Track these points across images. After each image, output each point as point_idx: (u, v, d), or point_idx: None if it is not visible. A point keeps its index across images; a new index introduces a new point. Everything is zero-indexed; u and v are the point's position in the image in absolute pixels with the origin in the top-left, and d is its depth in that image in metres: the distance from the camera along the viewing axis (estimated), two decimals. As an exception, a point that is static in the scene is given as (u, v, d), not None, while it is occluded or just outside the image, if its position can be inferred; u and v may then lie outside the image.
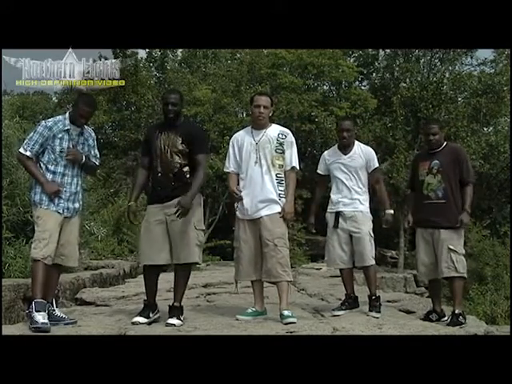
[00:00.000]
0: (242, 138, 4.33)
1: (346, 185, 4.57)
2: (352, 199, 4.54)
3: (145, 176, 4.20)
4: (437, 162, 4.45)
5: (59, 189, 3.88)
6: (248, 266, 4.22)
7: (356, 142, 4.70)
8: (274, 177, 4.20)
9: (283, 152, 4.25)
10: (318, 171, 4.85)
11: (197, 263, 4.04)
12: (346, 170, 4.59)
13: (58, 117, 4.07)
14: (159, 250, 3.98)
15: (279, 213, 4.17)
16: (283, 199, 4.21)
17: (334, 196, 4.64)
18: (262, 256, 4.17)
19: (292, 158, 4.27)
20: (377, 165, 4.68)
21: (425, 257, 4.51)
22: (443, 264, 4.30)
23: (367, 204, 4.60)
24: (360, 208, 4.54)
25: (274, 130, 4.32)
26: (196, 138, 4.12)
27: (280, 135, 4.28)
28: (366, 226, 4.52)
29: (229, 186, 4.35)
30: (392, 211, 4.64)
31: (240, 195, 4.22)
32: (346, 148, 4.65)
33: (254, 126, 4.33)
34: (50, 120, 4.03)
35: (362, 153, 4.64)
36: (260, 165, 4.20)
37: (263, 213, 4.16)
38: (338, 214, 4.56)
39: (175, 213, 3.88)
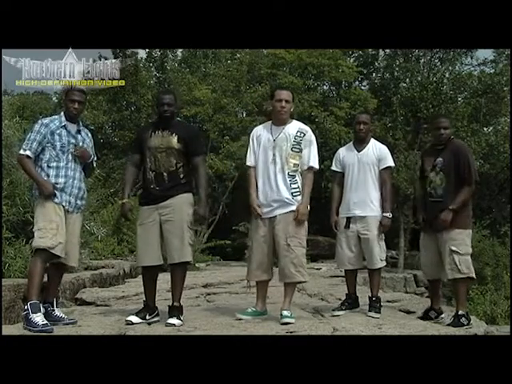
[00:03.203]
0: (261, 133, 4.27)
1: (358, 182, 4.54)
2: (363, 199, 4.50)
3: (134, 173, 4.21)
4: (440, 159, 4.34)
5: (54, 191, 3.84)
6: (259, 266, 4.18)
7: (372, 140, 4.67)
8: (287, 175, 4.12)
9: (300, 151, 4.16)
10: (333, 168, 4.78)
11: (189, 262, 4.07)
12: (358, 166, 4.55)
13: (54, 116, 4.11)
14: (154, 250, 4.01)
15: (293, 211, 4.10)
16: (297, 197, 4.13)
17: (346, 196, 4.60)
18: (276, 256, 4.16)
19: (310, 157, 4.18)
20: (388, 164, 4.58)
21: (427, 257, 4.47)
22: (447, 266, 4.23)
23: (379, 204, 4.53)
24: (371, 209, 4.50)
25: (294, 127, 4.23)
26: (192, 138, 4.13)
27: (298, 133, 4.19)
28: (375, 229, 4.48)
29: (250, 196, 4.19)
30: (389, 214, 4.52)
31: (259, 212, 4.15)
32: (360, 144, 4.63)
33: (275, 121, 4.25)
34: (46, 118, 4.07)
35: (376, 149, 4.60)
36: (275, 163, 4.14)
37: (277, 212, 4.12)
38: (349, 217, 4.55)
39: (194, 221, 3.98)
